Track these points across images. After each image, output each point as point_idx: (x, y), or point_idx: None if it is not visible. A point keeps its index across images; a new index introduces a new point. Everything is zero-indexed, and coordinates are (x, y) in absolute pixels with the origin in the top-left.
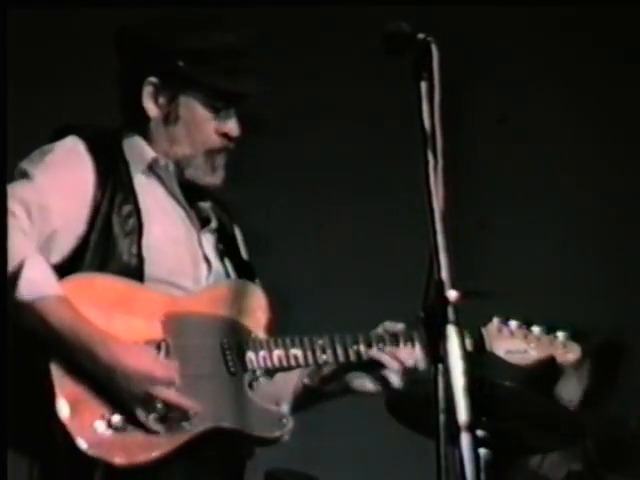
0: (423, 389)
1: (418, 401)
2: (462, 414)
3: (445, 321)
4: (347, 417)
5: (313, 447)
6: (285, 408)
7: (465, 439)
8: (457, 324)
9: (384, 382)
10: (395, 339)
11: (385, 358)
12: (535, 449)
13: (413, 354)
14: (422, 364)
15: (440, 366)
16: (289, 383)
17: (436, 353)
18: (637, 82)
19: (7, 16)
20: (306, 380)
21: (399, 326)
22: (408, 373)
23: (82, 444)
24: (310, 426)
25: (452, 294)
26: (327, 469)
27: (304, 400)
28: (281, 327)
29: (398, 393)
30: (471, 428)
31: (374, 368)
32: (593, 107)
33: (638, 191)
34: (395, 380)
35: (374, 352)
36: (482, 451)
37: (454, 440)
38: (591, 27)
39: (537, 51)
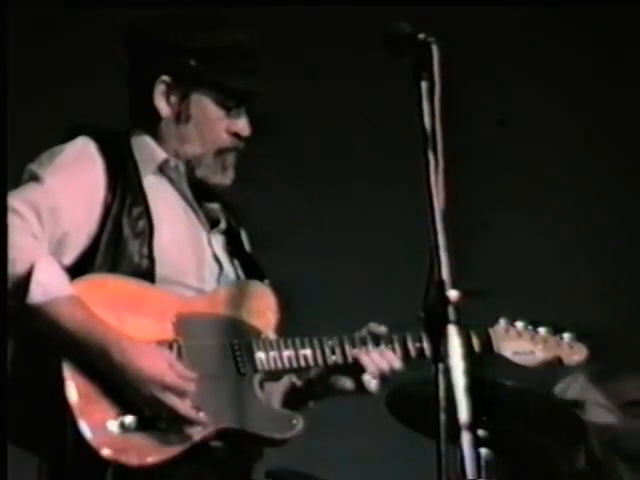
0: (424, 388)
1: (419, 400)
2: (463, 413)
3: (446, 321)
4: (348, 417)
5: (314, 447)
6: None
7: (466, 438)
8: (458, 324)
9: (361, 385)
10: (376, 341)
11: (364, 359)
12: (535, 449)
13: (388, 356)
14: (397, 364)
15: (441, 366)
16: (279, 382)
17: (437, 353)
18: (637, 82)
19: (8, 16)
20: (295, 380)
21: (382, 328)
22: (385, 378)
23: (94, 444)
24: (311, 426)
25: (453, 294)
26: (328, 469)
27: (293, 399)
28: (284, 327)
29: (399, 393)
30: (472, 427)
31: (355, 370)
32: (593, 107)
33: (638, 191)
34: (372, 385)
35: (356, 352)
36: (483, 451)
37: (455, 439)
38: (591, 27)
39: (537, 51)
